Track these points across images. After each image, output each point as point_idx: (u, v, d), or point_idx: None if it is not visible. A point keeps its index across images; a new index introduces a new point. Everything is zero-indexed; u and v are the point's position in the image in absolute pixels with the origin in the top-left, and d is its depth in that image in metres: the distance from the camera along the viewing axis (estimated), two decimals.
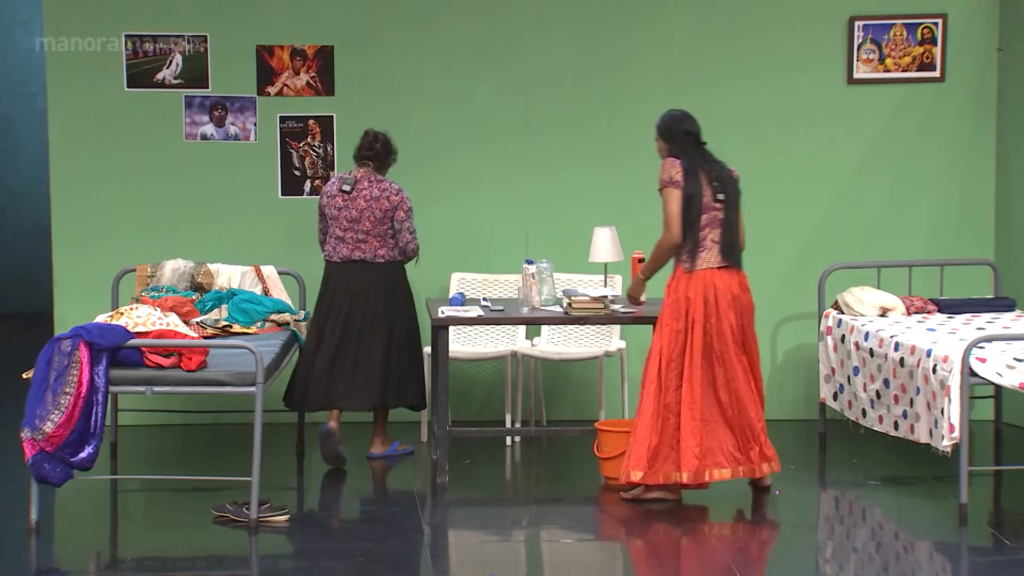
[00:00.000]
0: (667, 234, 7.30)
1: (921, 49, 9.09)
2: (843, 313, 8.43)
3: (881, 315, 8.36)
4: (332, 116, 8.95)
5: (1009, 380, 7.14)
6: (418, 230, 8.43)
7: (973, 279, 9.01)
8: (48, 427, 6.86)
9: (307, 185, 9.00)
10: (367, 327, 8.15)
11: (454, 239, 9.03)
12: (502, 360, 8.74)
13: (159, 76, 8.94)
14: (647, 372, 7.36)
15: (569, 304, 7.84)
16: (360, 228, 8.12)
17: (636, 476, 7.30)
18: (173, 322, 7.40)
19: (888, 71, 9.09)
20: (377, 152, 8.22)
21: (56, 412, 6.87)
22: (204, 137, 8.99)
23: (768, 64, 9.07)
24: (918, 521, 7.40)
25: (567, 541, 7.07)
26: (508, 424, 8.59)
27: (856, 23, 9.04)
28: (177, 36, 8.90)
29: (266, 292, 8.47)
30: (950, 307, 8.46)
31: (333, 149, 8.95)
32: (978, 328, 7.99)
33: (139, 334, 7.13)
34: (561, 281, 8.71)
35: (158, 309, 7.48)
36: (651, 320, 7.61)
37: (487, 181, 9.08)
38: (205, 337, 7.82)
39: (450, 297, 8.23)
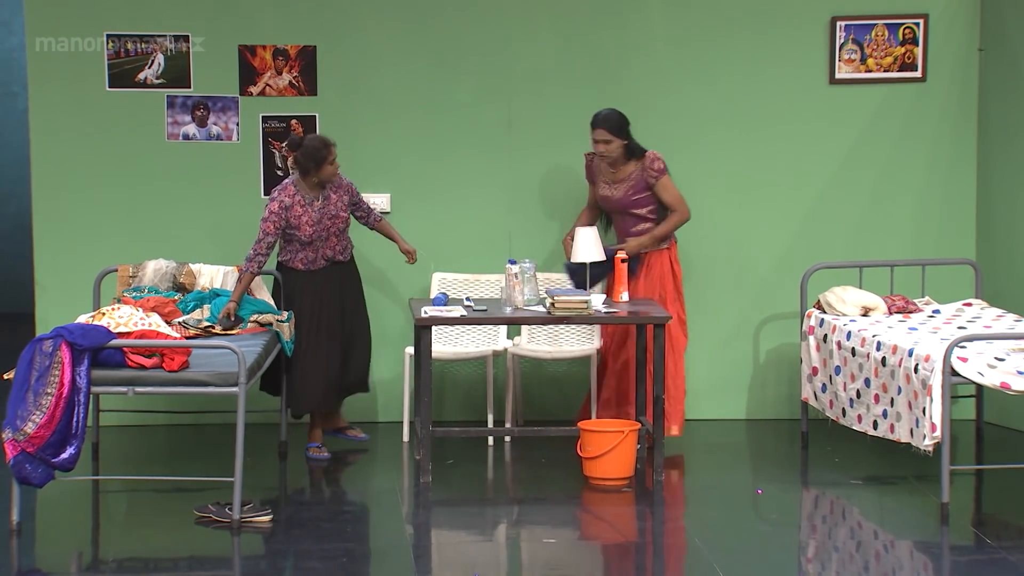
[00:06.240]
0: (686, 210, 8.44)
1: (903, 49, 9.11)
2: (825, 313, 8.44)
3: (863, 314, 8.37)
4: (315, 116, 8.94)
5: (990, 379, 7.16)
6: (401, 230, 8.47)
7: (955, 279, 9.03)
8: (29, 428, 6.84)
9: None
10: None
11: (437, 239, 9.02)
12: (484, 360, 8.74)
13: (141, 76, 8.91)
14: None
15: (552, 304, 7.84)
16: None
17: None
18: (155, 322, 7.38)
19: (870, 71, 9.10)
20: (295, 158, 8.20)
21: (37, 413, 6.85)
22: (186, 137, 8.96)
23: (750, 64, 9.07)
24: (900, 520, 7.42)
25: (549, 541, 7.06)
26: (490, 424, 8.59)
27: (838, 23, 9.05)
28: (159, 36, 8.88)
29: (248, 292, 8.45)
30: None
31: None
32: (959, 327, 8.01)
33: (121, 334, 7.11)
34: (544, 281, 8.72)
35: (140, 309, 7.46)
36: (634, 320, 7.95)
37: (470, 181, 9.07)
38: (187, 337, 7.81)
39: (433, 297, 8.23)
